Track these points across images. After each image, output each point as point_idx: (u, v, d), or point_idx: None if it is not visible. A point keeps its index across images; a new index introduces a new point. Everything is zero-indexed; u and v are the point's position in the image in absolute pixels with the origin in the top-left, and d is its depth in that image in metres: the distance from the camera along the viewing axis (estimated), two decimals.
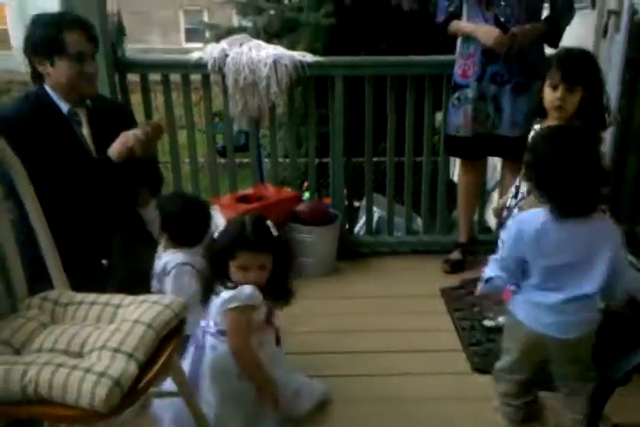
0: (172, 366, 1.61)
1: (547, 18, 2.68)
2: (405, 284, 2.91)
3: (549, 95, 2.03)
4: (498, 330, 2.32)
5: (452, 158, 3.53)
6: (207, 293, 1.83)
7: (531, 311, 1.72)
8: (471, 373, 2.26)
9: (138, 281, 2.20)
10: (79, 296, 1.66)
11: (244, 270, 1.75)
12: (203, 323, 1.88)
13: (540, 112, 2.12)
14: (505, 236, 1.76)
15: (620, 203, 2.98)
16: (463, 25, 2.69)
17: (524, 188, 2.14)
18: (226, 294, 1.76)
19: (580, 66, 2.02)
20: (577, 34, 2.96)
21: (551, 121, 2.06)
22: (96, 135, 2.24)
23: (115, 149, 2.13)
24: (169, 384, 1.72)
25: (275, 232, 1.80)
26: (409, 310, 2.68)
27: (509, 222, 1.80)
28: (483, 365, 2.26)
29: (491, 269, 1.79)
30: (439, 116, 3.40)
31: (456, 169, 3.50)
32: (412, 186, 3.26)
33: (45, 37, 2.09)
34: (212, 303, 1.81)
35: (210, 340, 1.84)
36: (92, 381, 1.32)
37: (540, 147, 1.67)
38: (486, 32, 2.54)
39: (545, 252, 1.65)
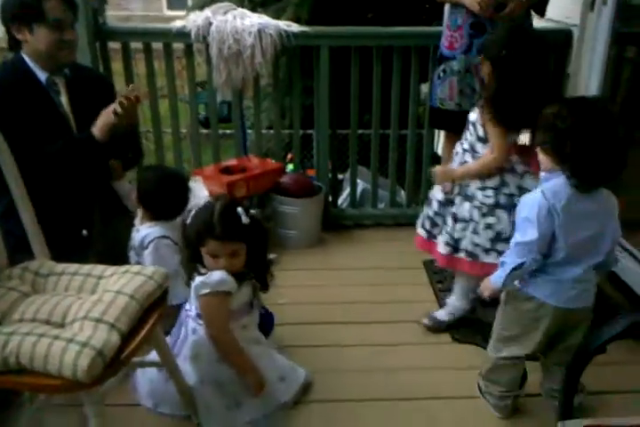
0: (155, 337, 1.61)
1: None
2: (388, 256, 2.92)
3: (485, 68, 2.13)
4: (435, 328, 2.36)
5: (436, 131, 3.52)
6: (188, 277, 1.82)
7: (557, 289, 1.69)
8: (451, 342, 2.30)
9: (118, 253, 2.19)
10: (60, 267, 1.64)
11: (213, 258, 1.74)
12: (187, 306, 1.88)
13: None
14: (529, 215, 1.63)
15: None
16: None
17: (464, 157, 2.20)
18: (196, 281, 1.77)
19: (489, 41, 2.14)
20: (564, 7, 2.94)
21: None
22: (75, 104, 2.20)
23: (98, 128, 2.08)
24: (154, 355, 1.73)
25: (245, 219, 1.74)
26: (391, 281, 2.70)
27: (530, 200, 1.65)
28: (462, 335, 2.31)
29: (517, 255, 1.67)
30: (424, 88, 3.38)
31: (440, 142, 3.49)
32: (397, 158, 3.25)
33: (24, 4, 2.05)
34: (192, 287, 1.80)
35: (191, 323, 1.85)
36: (74, 351, 1.32)
37: (559, 121, 1.58)
38: None
39: (573, 226, 1.63)
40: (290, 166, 3.67)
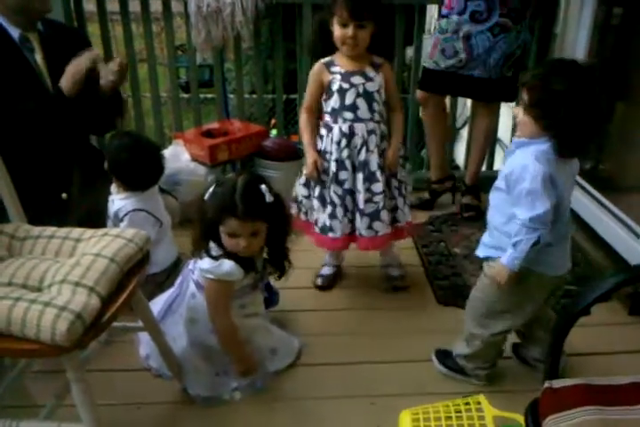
0: (136, 301, 1.58)
1: None
2: None
3: (339, 31, 1.99)
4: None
5: None
6: (195, 250, 1.73)
7: (554, 259, 1.67)
8: (436, 305, 2.29)
9: (97, 219, 2.13)
10: (37, 230, 1.59)
11: (233, 237, 1.64)
12: (191, 265, 1.82)
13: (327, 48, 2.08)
14: (533, 186, 1.53)
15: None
16: None
17: None
18: (204, 264, 1.69)
19: (367, 1, 1.99)
20: None
21: (343, 57, 2.07)
22: (50, 61, 2.12)
23: (66, 80, 2.01)
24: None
25: (269, 198, 1.63)
26: None
27: (530, 170, 1.54)
28: (448, 298, 2.31)
29: (530, 232, 1.56)
30: (410, 51, 3.31)
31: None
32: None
33: None
34: (199, 265, 1.73)
35: (191, 286, 1.81)
36: (52, 314, 1.28)
37: (555, 82, 1.48)
38: None
39: (563, 192, 1.59)
40: (273, 132, 3.61)
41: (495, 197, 1.68)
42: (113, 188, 2.16)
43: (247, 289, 1.80)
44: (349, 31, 1.97)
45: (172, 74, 3.14)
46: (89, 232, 1.58)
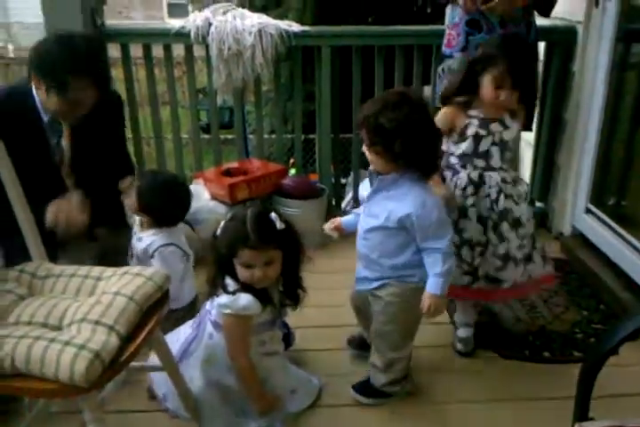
0: (154, 340, 1.57)
1: None
2: None
3: (493, 92, 1.93)
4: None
5: None
6: (211, 288, 1.73)
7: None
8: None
9: (117, 256, 2.16)
10: (58, 268, 1.60)
11: (248, 268, 1.64)
12: (208, 306, 1.81)
13: (467, 90, 2.00)
14: (441, 215, 1.70)
15: (608, 175, 2.95)
16: None
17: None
18: (222, 300, 1.68)
19: (526, 66, 1.96)
20: (567, 3, 2.90)
21: (492, 111, 1.99)
22: (76, 147, 2.13)
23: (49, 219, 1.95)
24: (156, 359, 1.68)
25: (280, 225, 1.64)
26: None
27: (431, 204, 1.69)
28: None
29: (451, 256, 1.71)
30: (427, 90, 3.34)
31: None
32: None
33: (51, 70, 1.90)
34: (216, 302, 1.72)
35: (209, 327, 1.79)
36: (71, 353, 1.27)
37: (384, 121, 1.61)
38: None
39: None
40: (292, 171, 3.64)
41: (374, 236, 1.76)
42: (136, 227, 2.18)
43: (266, 325, 1.78)
44: (503, 94, 1.92)
45: (193, 116, 3.19)
46: (109, 271, 1.58)
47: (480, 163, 2.01)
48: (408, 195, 1.68)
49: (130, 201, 2.14)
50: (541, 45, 3.01)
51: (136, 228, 2.20)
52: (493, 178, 2.01)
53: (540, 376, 2.06)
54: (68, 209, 1.95)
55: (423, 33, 3.00)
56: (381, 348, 1.88)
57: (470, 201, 2.01)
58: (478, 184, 2.01)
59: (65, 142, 2.11)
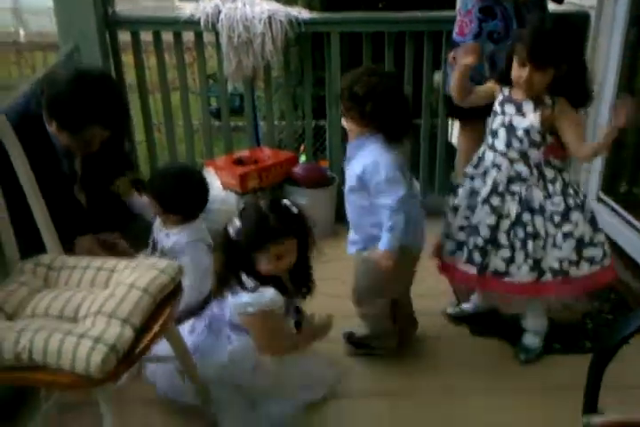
0: (168, 331, 1.59)
1: None
2: None
3: (516, 71, 1.87)
4: (461, 319, 2.31)
5: (450, 120, 3.46)
6: (221, 288, 1.72)
7: (413, 234, 1.90)
8: (470, 335, 2.26)
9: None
10: (72, 260, 1.62)
11: (277, 260, 1.65)
12: (215, 309, 1.82)
13: (506, 79, 1.95)
14: (389, 174, 1.78)
15: (620, 164, 2.94)
16: None
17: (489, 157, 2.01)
18: (244, 299, 1.66)
19: (552, 45, 1.82)
20: None
21: (519, 93, 1.93)
22: (87, 166, 2.13)
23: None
24: (162, 348, 1.69)
25: (294, 210, 1.68)
26: None
27: (382, 163, 1.79)
28: (481, 327, 2.27)
29: (397, 214, 1.79)
30: (437, 76, 3.32)
31: (455, 131, 3.43)
32: (411, 148, 3.20)
33: (63, 115, 1.88)
34: (229, 299, 1.71)
35: (224, 329, 1.80)
36: (87, 346, 1.30)
37: (357, 88, 1.77)
38: None
39: (408, 177, 1.88)
40: (302, 157, 3.63)
41: (350, 198, 1.90)
42: (158, 224, 2.20)
43: (280, 315, 1.78)
44: (524, 73, 1.84)
45: (203, 102, 3.18)
46: (123, 263, 1.60)
47: (489, 140, 2.01)
48: (364, 155, 1.83)
49: (149, 203, 2.16)
50: None
51: (157, 224, 2.21)
52: (488, 157, 1.99)
53: (550, 367, 2.07)
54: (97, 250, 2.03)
55: (434, 19, 2.97)
56: (356, 303, 2.04)
57: (470, 170, 2.05)
58: (479, 160, 2.03)
59: (77, 163, 2.11)
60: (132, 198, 2.29)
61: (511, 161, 1.95)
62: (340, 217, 3.09)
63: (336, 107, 3.03)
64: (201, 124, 3.26)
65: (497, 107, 1.99)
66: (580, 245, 1.96)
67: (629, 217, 2.65)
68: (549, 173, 1.96)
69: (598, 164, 2.87)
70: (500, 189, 1.97)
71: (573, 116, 1.90)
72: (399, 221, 1.79)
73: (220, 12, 2.79)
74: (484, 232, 1.99)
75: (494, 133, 1.98)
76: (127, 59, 3.16)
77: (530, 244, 1.95)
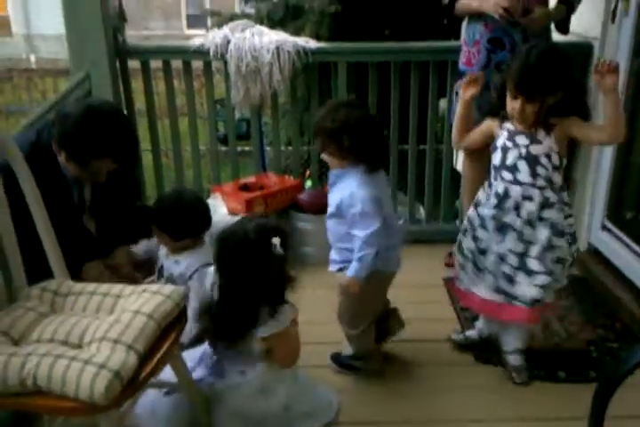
0: (172, 357, 1.59)
1: (560, 1, 2.58)
2: (407, 273, 2.84)
3: (509, 103, 1.91)
4: (466, 346, 2.29)
5: (455, 150, 3.49)
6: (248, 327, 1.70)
7: (389, 258, 2.00)
8: (474, 363, 2.25)
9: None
10: (79, 286, 1.64)
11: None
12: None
13: (498, 112, 2.01)
14: (365, 209, 1.85)
15: (625, 191, 2.94)
16: (468, 1, 2.56)
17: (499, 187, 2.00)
18: (266, 328, 1.68)
19: (539, 77, 1.84)
20: (584, 19, 2.91)
21: (517, 124, 1.96)
22: (97, 195, 2.15)
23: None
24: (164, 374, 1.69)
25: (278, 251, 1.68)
26: (411, 299, 2.64)
27: (359, 197, 1.86)
28: (486, 354, 2.26)
29: (370, 246, 1.86)
30: (443, 103, 3.36)
31: (459, 157, 3.45)
32: (416, 174, 3.23)
33: (73, 148, 1.92)
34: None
35: (228, 377, 1.79)
36: (91, 373, 1.31)
37: (329, 123, 1.85)
38: (495, 3, 2.41)
39: (385, 206, 1.94)
40: (308, 183, 3.66)
41: (330, 223, 1.99)
42: (165, 252, 2.20)
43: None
44: (517, 104, 1.87)
45: (211, 128, 3.23)
46: (129, 289, 1.61)
47: (507, 176, 1.98)
48: (344, 185, 1.91)
49: (152, 244, 2.22)
50: None
51: (164, 252, 2.22)
52: (515, 191, 1.97)
53: (554, 396, 2.05)
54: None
55: (439, 49, 3.02)
56: (341, 324, 2.13)
57: (491, 212, 2.01)
58: (503, 197, 1.98)
59: (87, 192, 2.13)
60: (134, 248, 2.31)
61: (540, 189, 1.96)
62: None
63: None
64: (208, 149, 3.30)
65: (505, 142, 1.99)
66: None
67: (635, 246, 2.64)
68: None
69: (603, 191, 2.88)
70: (533, 218, 1.97)
71: (578, 120, 1.93)
72: (369, 254, 1.87)
73: (229, 42, 2.85)
74: (513, 260, 2.00)
75: (513, 168, 1.96)
76: (137, 84, 3.22)
77: (558, 267, 2.00)
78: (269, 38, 2.87)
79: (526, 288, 2.00)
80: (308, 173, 4.07)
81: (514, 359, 2.15)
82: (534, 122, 1.91)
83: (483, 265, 2.07)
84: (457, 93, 2.69)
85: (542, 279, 1.98)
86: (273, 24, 4.97)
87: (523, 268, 2.00)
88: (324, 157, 1.94)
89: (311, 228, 2.88)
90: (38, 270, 1.67)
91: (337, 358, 2.22)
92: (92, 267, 2.08)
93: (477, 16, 2.55)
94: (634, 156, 2.89)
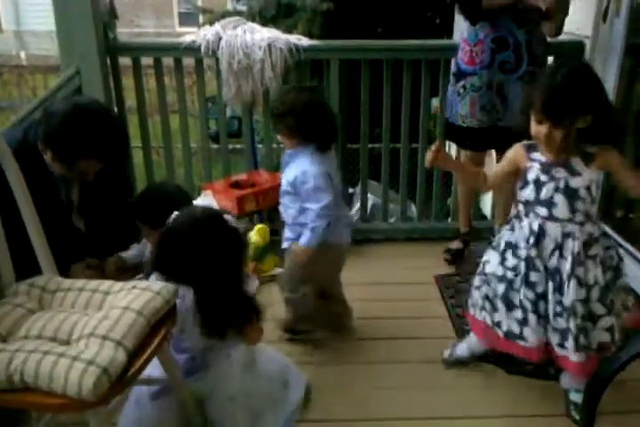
0: (161, 354, 1.59)
1: None
2: (399, 271, 2.89)
3: (535, 127, 1.76)
4: (454, 363, 2.20)
5: (447, 145, 3.49)
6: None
7: (335, 231, 2.11)
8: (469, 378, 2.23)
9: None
10: (67, 282, 1.62)
11: None
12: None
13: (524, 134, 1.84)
14: (317, 184, 2.00)
15: (615, 189, 2.95)
16: None
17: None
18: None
19: (566, 101, 1.68)
20: (575, 18, 2.91)
21: (544, 151, 1.82)
22: (85, 193, 2.13)
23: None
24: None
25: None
26: (403, 297, 2.66)
27: (311, 173, 2.01)
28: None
29: (321, 218, 2.01)
30: (435, 102, 3.36)
31: (452, 153, 3.46)
32: (408, 172, 3.23)
33: (58, 148, 1.88)
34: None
35: (215, 365, 1.82)
36: (79, 369, 1.29)
37: (279, 107, 2.05)
38: None
39: (335, 182, 2.09)
40: None
41: (284, 200, 2.12)
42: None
43: None
44: (543, 129, 1.72)
45: (202, 126, 3.22)
46: (118, 285, 1.60)
47: (542, 211, 1.81)
48: (297, 163, 2.05)
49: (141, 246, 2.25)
50: (549, 60, 3.02)
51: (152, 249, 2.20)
52: (552, 229, 1.81)
53: (545, 392, 2.06)
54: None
55: (432, 47, 3.02)
56: (281, 288, 2.31)
57: (533, 252, 1.84)
58: (539, 235, 1.82)
59: (74, 190, 2.11)
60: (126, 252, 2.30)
61: (581, 224, 1.80)
62: None
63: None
64: (199, 147, 3.29)
65: (539, 175, 1.81)
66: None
67: (626, 244, 2.65)
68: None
69: None
70: (582, 258, 1.81)
71: (617, 154, 1.79)
72: (320, 225, 2.03)
73: (220, 38, 2.84)
74: (581, 310, 1.82)
75: (549, 203, 1.80)
76: (127, 81, 3.20)
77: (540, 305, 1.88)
78: (261, 35, 2.85)
79: (594, 334, 1.84)
80: None
81: (576, 397, 1.93)
82: (563, 149, 1.77)
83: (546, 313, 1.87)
84: (459, 93, 2.67)
85: (607, 321, 1.84)
86: (265, 22, 4.98)
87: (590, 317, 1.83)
88: (279, 137, 2.13)
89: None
90: (26, 267, 1.65)
91: (284, 325, 2.32)
92: (77, 268, 2.06)
93: (499, 12, 2.50)
94: (625, 155, 2.90)
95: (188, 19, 14.48)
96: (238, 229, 1.79)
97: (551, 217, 1.80)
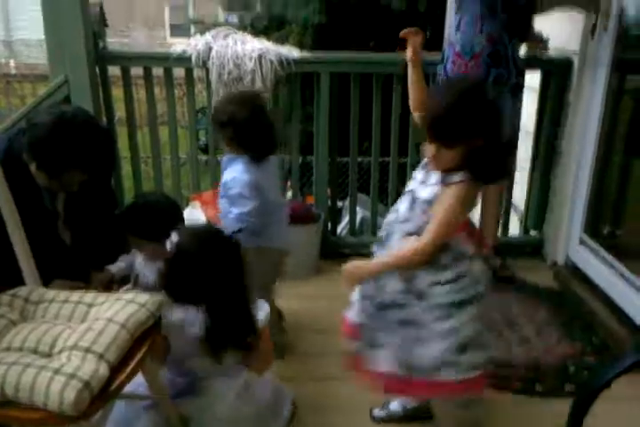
0: (145, 368, 1.56)
1: None
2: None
3: (425, 145, 1.59)
4: (389, 420, 2.05)
5: None
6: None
7: (268, 235, 2.18)
8: None
9: None
10: (51, 294, 1.60)
11: None
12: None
13: None
14: (243, 191, 2.07)
15: (602, 206, 2.97)
16: None
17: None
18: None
19: (452, 123, 1.52)
20: (563, 34, 2.95)
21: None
22: (70, 204, 2.08)
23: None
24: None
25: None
26: None
27: (240, 180, 2.08)
28: None
29: (237, 222, 2.08)
30: None
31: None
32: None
33: (43, 159, 1.83)
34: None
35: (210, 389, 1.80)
36: (60, 382, 1.27)
37: (219, 117, 2.09)
38: None
39: (266, 191, 2.14)
40: (289, 194, 3.64)
41: (221, 202, 2.21)
42: (143, 259, 2.14)
43: None
44: (431, 148, 1.57)
45: (192, 137, 3.21)
46: (102, 297, 1.58)
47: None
48: (232, 169, 2.14)
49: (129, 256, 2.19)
50: (537, 75, 3.05)
51: (142, 260, 2.16)
52: (386, 219, 1.82)
53: (531, 409, 2.05)
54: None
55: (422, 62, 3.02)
56: None
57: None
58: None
59: (60, 201, 2.07)
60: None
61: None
62: (324, 255, 3.10)
63: (323, 143, 3.08)
64: (188, 157, 3.28)
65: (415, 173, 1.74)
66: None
67: (612, 260, 2.66)
68: None
69: (581, 205, 2.91)
70: None
71: (448, 199, 1.58)
72: (237, 226, 2.08)
73: (211, 49, 2.84)
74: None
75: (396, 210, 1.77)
76: (117, 91, 3.19)
77: None
78: (252, 46, 2.86)
79: None
80: (289, 183, 4.06)
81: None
82: (448, 169, 1.59)
83: None
84: None
85: None
86: (256, 34, 4.98)
87: None
88: (225, 145, 2.17)
89: (291, 238, 2.86)
90: (9, 277, 1.63)
91: None
92: (57, 286, 2.00)
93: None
94: (611, 171, 2.92)
95: (179, 31, 14.50)
96: (240, 244, 1.77)
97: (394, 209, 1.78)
